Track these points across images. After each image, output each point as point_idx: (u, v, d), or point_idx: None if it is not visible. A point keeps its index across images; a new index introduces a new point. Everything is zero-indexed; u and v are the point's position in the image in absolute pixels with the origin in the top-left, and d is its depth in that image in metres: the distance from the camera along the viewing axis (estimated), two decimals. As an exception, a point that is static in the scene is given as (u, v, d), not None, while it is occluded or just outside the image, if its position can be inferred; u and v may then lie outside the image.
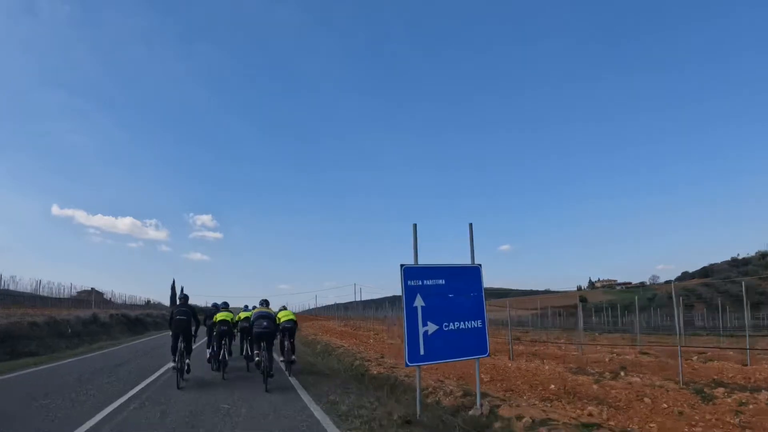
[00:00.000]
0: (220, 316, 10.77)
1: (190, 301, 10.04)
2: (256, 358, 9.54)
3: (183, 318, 8.96)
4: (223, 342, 10.37)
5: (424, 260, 6.08)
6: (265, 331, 8.85)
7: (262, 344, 8.88)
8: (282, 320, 10.24)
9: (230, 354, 10.61)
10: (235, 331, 11.71)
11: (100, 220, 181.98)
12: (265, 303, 9.86)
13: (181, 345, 8.70)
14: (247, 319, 11.23)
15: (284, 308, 11.43)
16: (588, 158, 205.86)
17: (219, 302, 12.24)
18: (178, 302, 9.65)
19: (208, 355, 11.08)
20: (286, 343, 10.07)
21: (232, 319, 11.04)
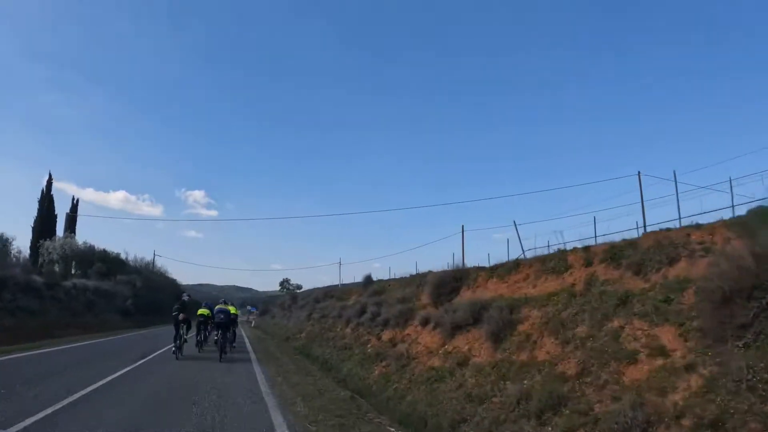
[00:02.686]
0: (200, 311, 14.14)
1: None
2: (215, 338, 13.63)
3: (176, 314, 12.58)
4: (200, 328, 14.15)
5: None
6: (223, 321, 12.91)
7: (219, 330, 12.86)
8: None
9: (206, 339, 14.60)
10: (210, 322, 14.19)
11: (92, 195, 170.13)
12: (224, 302, 14.52)
13: (182, 330, 12.50)
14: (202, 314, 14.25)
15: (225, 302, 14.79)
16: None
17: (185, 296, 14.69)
18: (178, 304, 13.11)
19: (195, 341, 14.28)
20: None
21: (208, 314, 13.91)
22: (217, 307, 13.53)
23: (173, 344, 12.07)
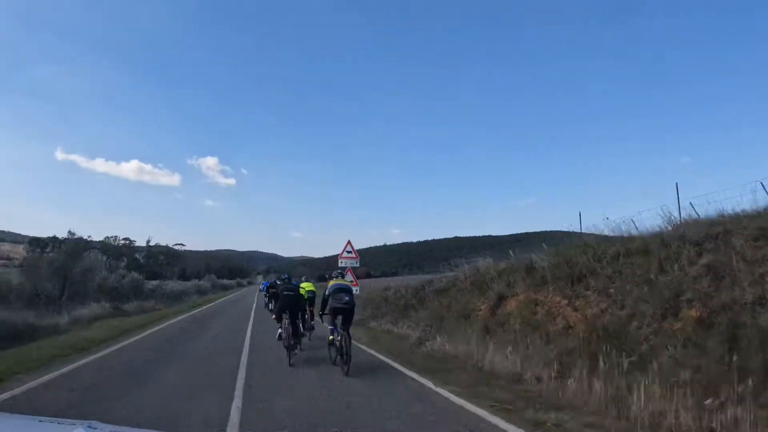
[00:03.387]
0: (306, 286, 11.04)
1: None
2: (330, 337, 7.96)
3: (291, 293, 8.80)
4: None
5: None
6: (345, 306, 7.50)
7: (336, 321, 7.74)
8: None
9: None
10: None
11: (103, 166, 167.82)
12: (340, 274, 8.59)
13: (285, 321, 8.43)
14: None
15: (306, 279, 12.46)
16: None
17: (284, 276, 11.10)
18: (279, 283, 10.31)
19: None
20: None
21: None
22: (333, 282, 8.09)
23: (278, 326, 9.06)
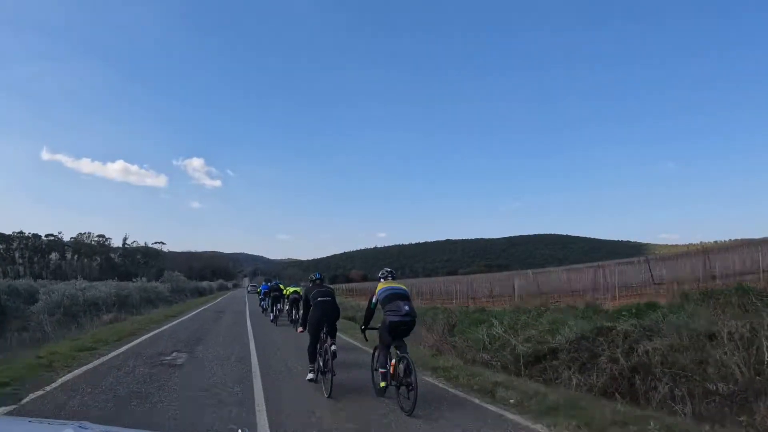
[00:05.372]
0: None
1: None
2: (382, 370, 5.81)
3: (328, 299, 6.66)
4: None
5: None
6: (406, 319, 5.66)
7: (391, 341, 5.73)
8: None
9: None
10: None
11: (89, 166, 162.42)
12: (390, 274, 6.33)
13: (323, 336, 6.50)
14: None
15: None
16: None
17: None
18: (311, 284, 7.38)
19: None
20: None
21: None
22: (383, 285, 6.08)
23: (310, 367, 6.75)
